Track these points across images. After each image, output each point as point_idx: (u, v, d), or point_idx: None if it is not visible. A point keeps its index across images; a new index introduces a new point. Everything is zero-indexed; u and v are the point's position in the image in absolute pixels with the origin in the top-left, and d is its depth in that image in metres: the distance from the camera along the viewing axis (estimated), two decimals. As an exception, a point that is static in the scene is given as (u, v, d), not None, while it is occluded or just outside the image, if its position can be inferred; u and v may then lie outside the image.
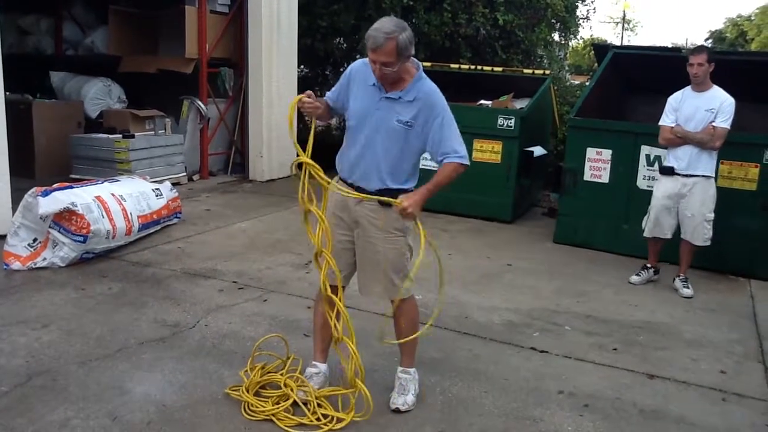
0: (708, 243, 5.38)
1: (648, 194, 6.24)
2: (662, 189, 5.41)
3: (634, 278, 5.58)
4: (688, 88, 5.36)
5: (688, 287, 5.38)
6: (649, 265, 5.60)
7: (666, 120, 5.36)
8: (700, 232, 5.34)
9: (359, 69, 3.27)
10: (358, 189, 3.20)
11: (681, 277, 5.47)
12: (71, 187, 5.46)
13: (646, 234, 5.57)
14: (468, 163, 3.19)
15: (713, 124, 5.17)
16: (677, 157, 5.31)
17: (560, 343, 4.30)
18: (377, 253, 3.24)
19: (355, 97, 3.24)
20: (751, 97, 6.85)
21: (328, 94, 3.39)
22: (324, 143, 11.11)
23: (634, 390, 3.71)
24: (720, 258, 5.97)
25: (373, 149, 3.16)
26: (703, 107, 5.21)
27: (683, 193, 5.30)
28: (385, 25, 3.01)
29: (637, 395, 3.64)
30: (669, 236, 5.48)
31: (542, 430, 3.24)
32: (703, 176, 5.26)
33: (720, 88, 5.26)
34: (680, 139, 5.25)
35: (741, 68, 6.74)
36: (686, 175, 5.27)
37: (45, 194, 5.15)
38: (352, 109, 3.24)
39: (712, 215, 5.33)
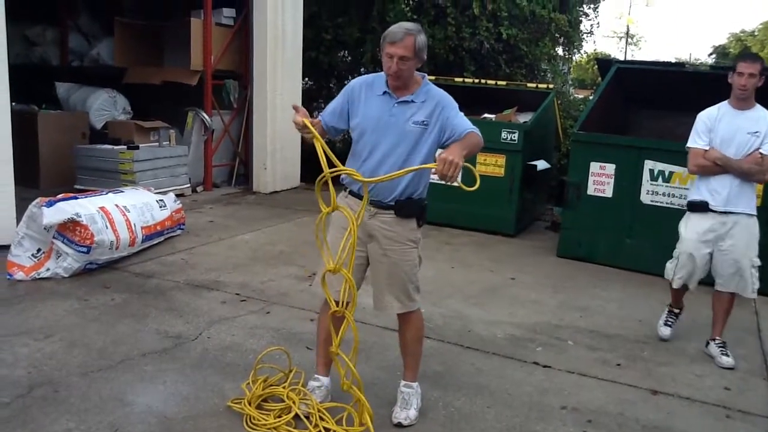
0: (756, 294, 4.41)
1: (652, 209, 6.26)
2: (695, 229, 4.36)
3: (666, 331, 4.64)
4: (725, 104, 4.37)
5: (727, 354, 4.32)
6: (676, 310, 4.69)
7: (698, 142, 4.34)
8: (748, 282, 4.32)
9: (361, 85, 3.29)
10: (374, 202, 3.19)
11: (717, 342, 4.41)
12: (75, 198, 5.47)
13: (675, 285, 4.55)
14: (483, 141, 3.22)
15: (761, 151, 4.18)
16: (712, 190, 4.29)
17: (563, 357, 4.29)
18: (393, 265, 3.23)
19: (364, 110, 3.22)
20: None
21: (322, 115, 3.36)
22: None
23: (638, 406, 3.68)
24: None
25: (392, 158, 3.14)
26: (746, 129, 4.22)
27: (721, 233, 4.29)
28: (404, 23, 3.15)
29: (640, 411, 3.62)
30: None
31: (545, 446, 3.22)
32: (746, 214, 4.28)
33: (762, 107, 4.31)
34: (719, 167, 4.23)
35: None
36: (724, 212, 4.28)
37: (49, 204, 5.16)
38: (362, 122, 3.22)
39: (758, 261, 4.34)
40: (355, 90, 3.28)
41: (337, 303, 3.15)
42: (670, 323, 4.68)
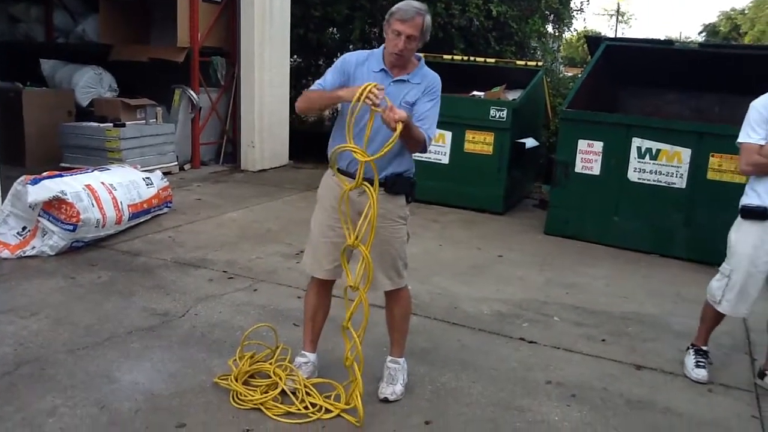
0: None
1: (639, 187, 6.29)
2: (754, 242, 3.60)
3: (702, 373, 3.77)
4: None
5: None
6: (705, 348, 3.90)
7: (752, 135, 3.57)
8: None
9: (358, 60, 3.22)
10: (362, 179, 3.16)
11: None
12: (61, 176, 5.43)
13: (726, 311, 3.75)
14: (428, 147, 3.19)
15: None
16: None
17: (549, 333, 4.32)
18: (383, 242, 3.21)
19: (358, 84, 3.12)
20: (741, 90, 6.88)
21: (320, 83, 3.23)
22: (316, 134, 11.11)
23: (622, 380, 3.73)
24: (709, 250, 5.97)
25: (381, 135, 3.07)
26: None
27: None
28: (412, 2, 3.10)
29: (624, 386, 3.66)
30: None
31: (530, 420, 3.25)
32: None
33: None
34: None
35: (732, 61, 6.77)
36: None
37: (34, 182, 5.13)
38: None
39: None
40: (350, 64, 3.21)
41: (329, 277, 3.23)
42: (702, 364, 3.81)
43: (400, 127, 2.89)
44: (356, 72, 3.20)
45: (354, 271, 3.14)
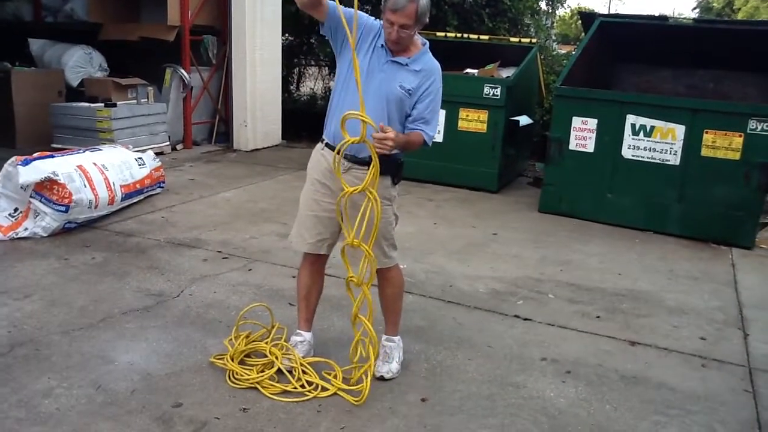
0: None
1: (633, 164, 6.28)
2: None
3: None
4: None
5: None
6: None
7: None
8: None
9: (377, 26, 3.14)
10: (348, 156, 3.13)
11: None
12: (52, 156, 5.39)
13: None
14: (429, 144, 3.21)
15: None
16: None
17: (544, 310, 4.33)
18: (367, 222, 3.20)
19: (361, 51, 3.08)
20: (736, 66, 6.88)
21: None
22: (309, 113, 11.04)
23: (616, 357, 3.75)
24: (703, 227, 6.02)
25: (371, 113, 3.01)
26: None
27: None
28: None
29: (618, 362, 3.68)
30: None
31: (525, 396, 3.27)
32: None
33: None
34: None
35: (726, 37, 6.74)
36: None
37: (25, 163, 5.08)
38: (352, 64, 3.05)
39: None
40: (368, 28, 3.13)
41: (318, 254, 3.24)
42: None
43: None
44: (367, 34, 3.12)
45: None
